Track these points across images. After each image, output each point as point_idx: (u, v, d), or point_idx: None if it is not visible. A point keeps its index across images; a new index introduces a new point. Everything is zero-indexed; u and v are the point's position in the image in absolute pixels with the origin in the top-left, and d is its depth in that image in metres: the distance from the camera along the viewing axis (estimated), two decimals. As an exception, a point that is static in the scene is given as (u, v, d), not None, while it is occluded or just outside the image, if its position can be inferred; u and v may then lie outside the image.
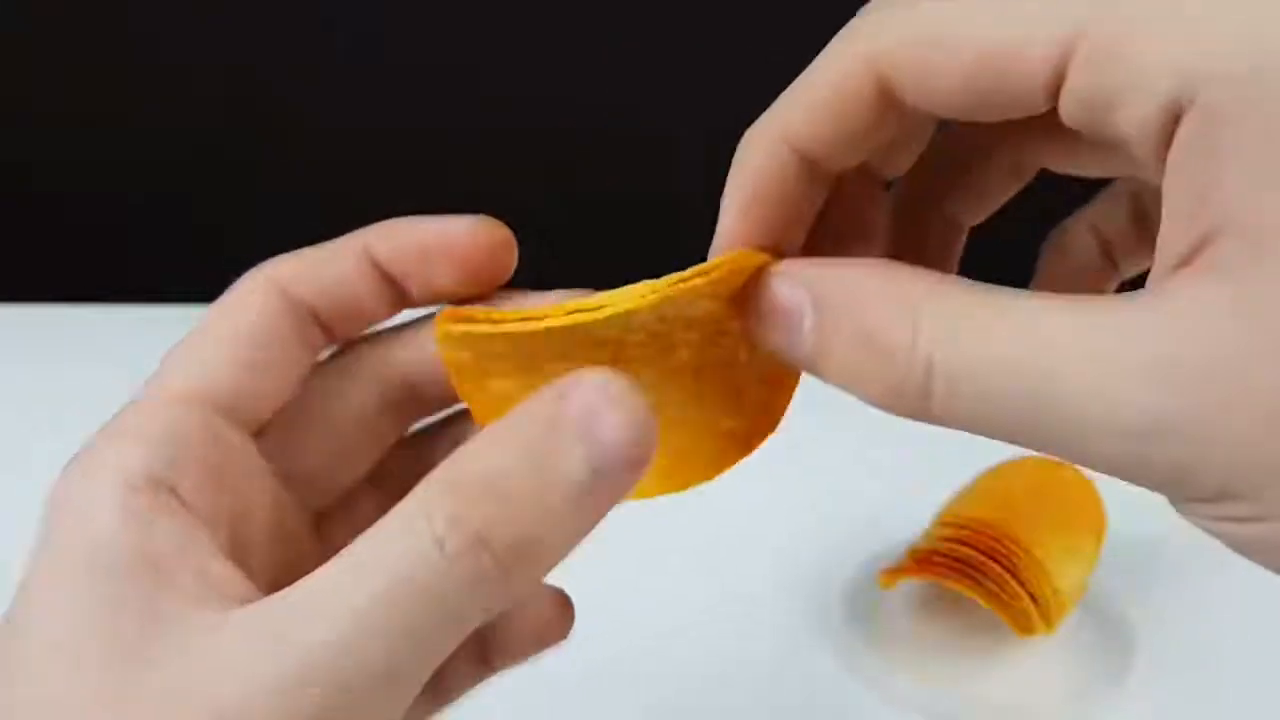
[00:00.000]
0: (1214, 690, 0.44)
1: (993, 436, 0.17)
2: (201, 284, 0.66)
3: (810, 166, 0.20)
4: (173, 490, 0.20)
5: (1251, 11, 0.15)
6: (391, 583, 0.18)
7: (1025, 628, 0.43)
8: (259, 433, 0.23)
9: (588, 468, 0.18)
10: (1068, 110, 0.17)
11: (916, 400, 0.18)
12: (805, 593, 0.49)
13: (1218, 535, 0.17)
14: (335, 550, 0.19)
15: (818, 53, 0.20)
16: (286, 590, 0.18)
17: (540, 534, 0.18)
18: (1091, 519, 0.47)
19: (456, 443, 0.19)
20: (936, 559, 0.44)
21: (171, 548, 0.19)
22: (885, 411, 0.18)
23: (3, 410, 0.60)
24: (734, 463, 0.23)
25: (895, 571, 0.45)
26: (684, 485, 0.23)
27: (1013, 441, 0.17)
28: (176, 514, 0.20)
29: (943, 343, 0.17)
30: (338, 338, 0.25)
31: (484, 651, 0.26)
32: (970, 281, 0.18)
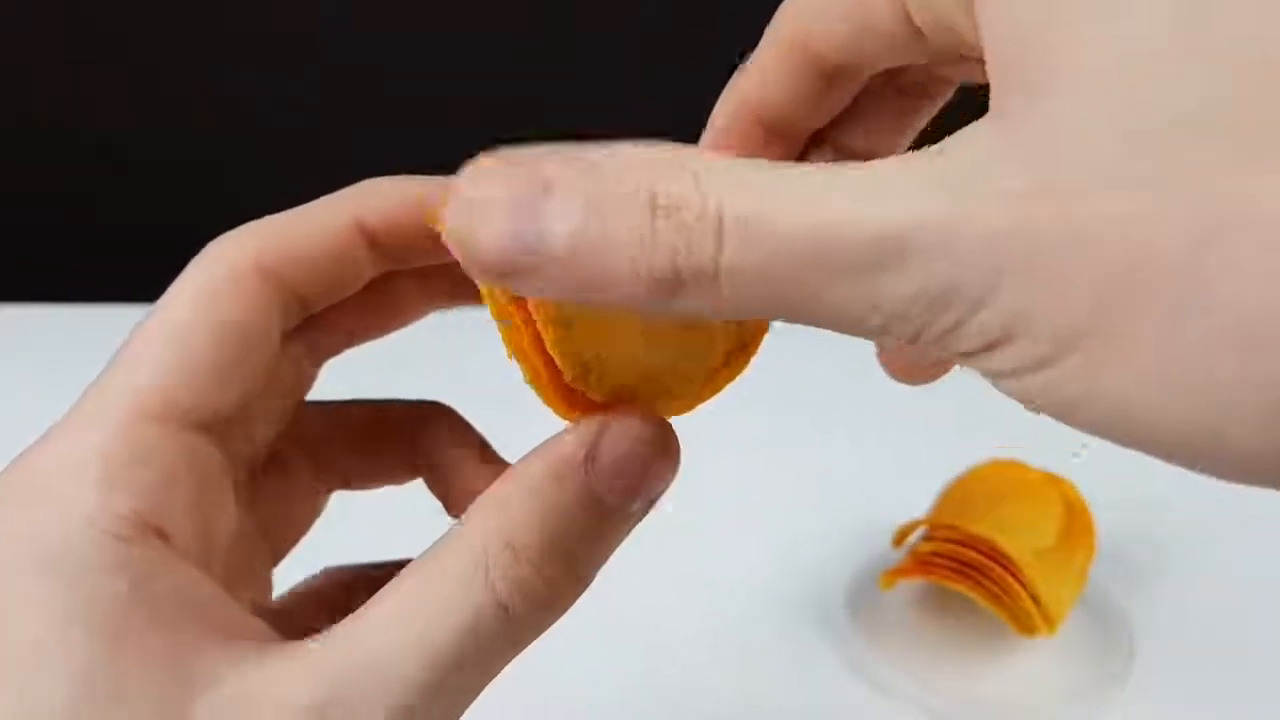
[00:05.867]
0: (1214, 690, 0.44)
1: (775, 304, 0.15)
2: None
3: (822, 73, 0.20)
4: (159, 531, 0.19)
5: None
6: (455, 651, 0.18)
7: (1026, 628, 0.43)
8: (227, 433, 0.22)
9: (641, 514, 0.19)
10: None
11: (704, 260, 0.15)
12: (806, 593, 0.49)
13: (1019, 400, 0.15)
14: (272, 519, 0.20)
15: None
16: (337, 638, 0.18)
17: (584, 583, 0.19)
18: (1076, 526, 0.47)
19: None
20: (937, 559, 0.44)
21: (175, 603, 0.18)
22: (661, 303, 0.15)
23: (3, 410, 0.60)
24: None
25: (896, 572, 0.45)
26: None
27: (792, 313, 0.15)
28: (169, 560, 0.18)
29: (733, 192, 0.15)
30: (315, 308, 0.23)
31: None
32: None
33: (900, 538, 0.47)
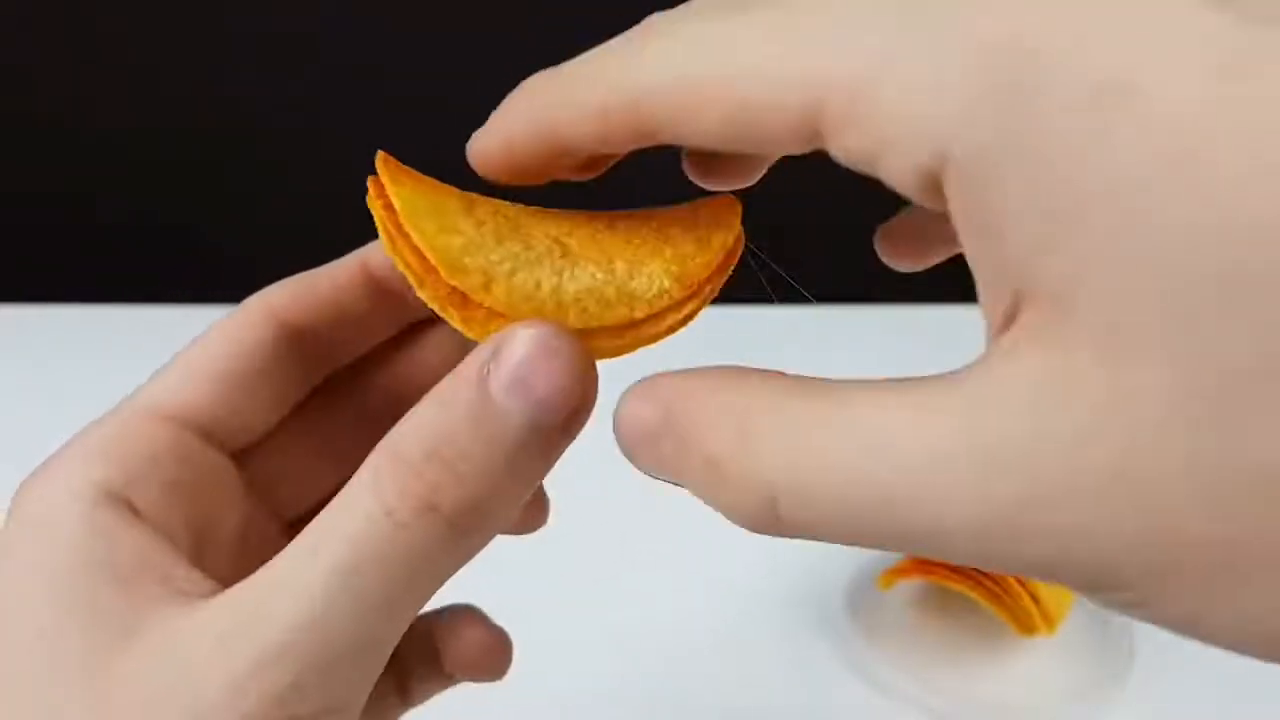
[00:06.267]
0: (1214, 690, 0.44)
1: (859, 545, 0.16)
2: (200, 284, 0.66)
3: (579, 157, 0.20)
4: (129, 504, 0.21)
5: (984, 77, 0.14)
6: (347, 556, 0.18)
7: (1026, 627, 0.43)
8: (247, 450, 0.24)
9: (528, 423, 0.18)
10: (836, 157, 0.16)
11: (771, 524, 0.16)
12: (806, 593, 0.49)
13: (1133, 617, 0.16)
14: None
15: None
16: (250, 577, 0.19)
17: (487, 494, 0.19)
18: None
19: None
20: (937, 559, 0.44)
21: (134, 558, 0.20)
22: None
23: (3, 410, 0.60)
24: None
25: (895, 572, 0.45)
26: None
27: (882, 548, 0.16)
28: (135, 526, 0.20)
29: (782, 467, 0.16)
30: (342, 358, 0.25)
31: (404, 682, 0.27)
32: (799, 380, 0.17)
33: (889, 579, 0.47)
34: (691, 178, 0.21)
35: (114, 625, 0.19)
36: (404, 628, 0.19)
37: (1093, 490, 0.14)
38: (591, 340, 0.20)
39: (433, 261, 0.19)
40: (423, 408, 0.19)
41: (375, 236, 0.20)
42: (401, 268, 0.20)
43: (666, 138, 0.18)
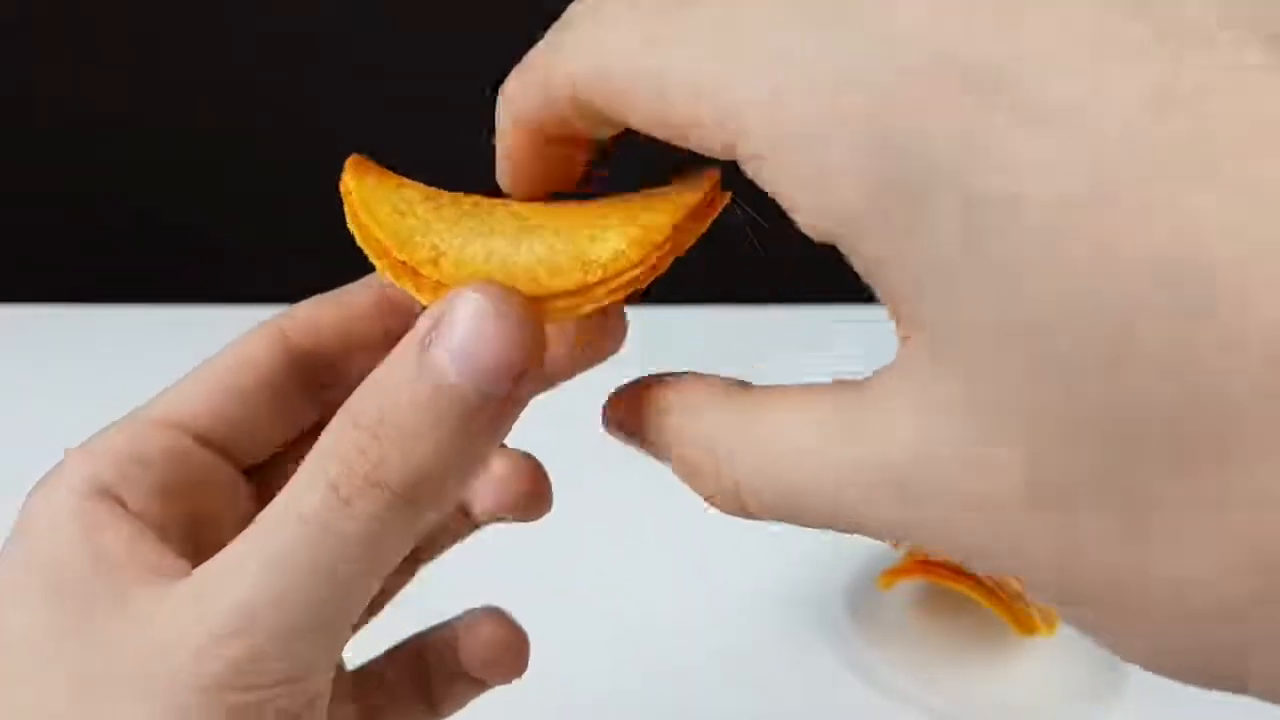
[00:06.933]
0: (1213, 691, 0.44)
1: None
2: (201, 284, 0.66)
3: (546, 140, 0.20)
4: (118, 499, 0.21)
5: (877, 173, 0.15)
6: (297, 531, 0.19)
7: (1026, 628, 0.43)
8: (261, 467, 0.24)
9: (471, 392, 0.18)
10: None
11: (744, 512, 0.18)
12: (806, 593, 0.49)
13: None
14: None
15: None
16: (217, 555, 0.20)
17: (434, 465, 0.19)
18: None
19: None
20: (936, 560, 0.44)
21: (119, 547, 0.21)
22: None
23: (3, 410, 0.60)
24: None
25: (896, 572, 0.45)
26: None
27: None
28: (123, 519, 0.21)
29: (737, 469, 0.18)
30: (356, 381, 0.25)
31: (429, 692, 0.27)
32: (749, 389, 0.19)
33: (890, 579, 0.46)
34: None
35: (98, 605, 0.20)
36: (364, 600, 0.20)
37: (957, 512, 0.15)
38: (545, 304, 0.20)
39: (382, 240, 0.20)
40: (370, 380, 0.19)
41: None
42: (362, 244, 0.21)
43: (614, 124, 0.18)
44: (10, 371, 0.63)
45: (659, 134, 0.18)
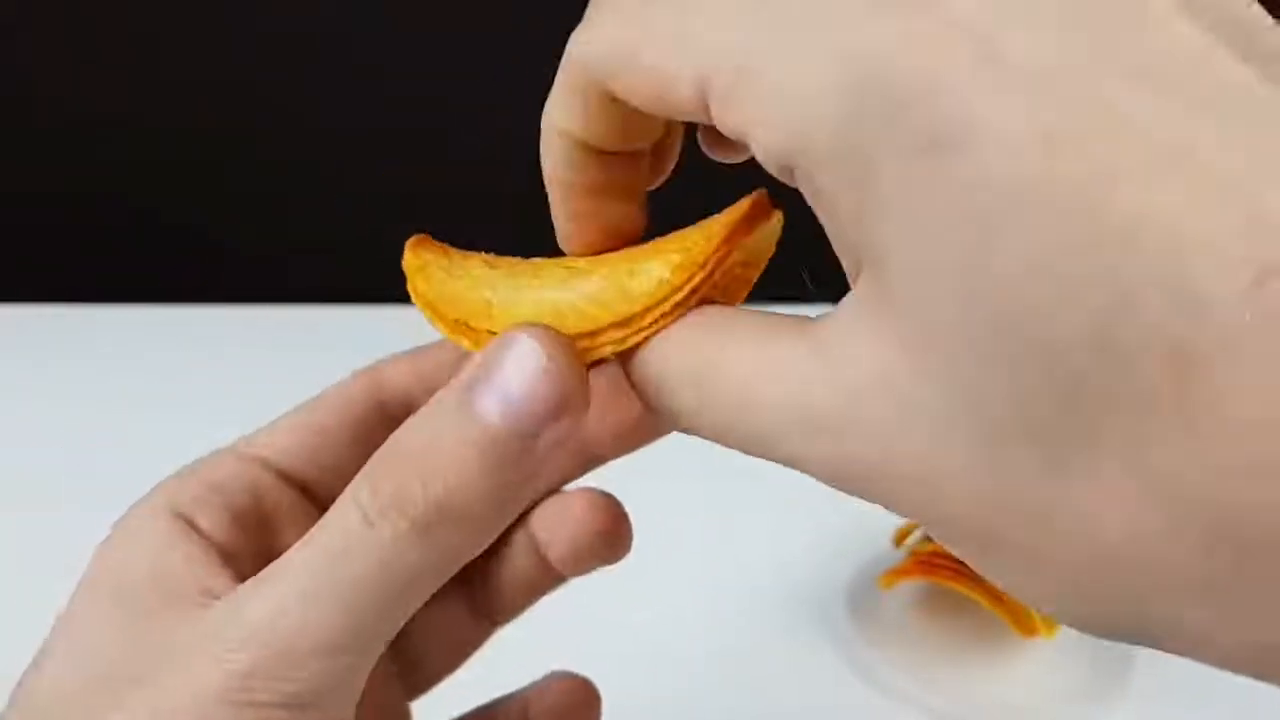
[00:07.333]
0: (1214, 692, 0.44)
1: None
2: (201, 284, 0.66)
3: (597, 153, 0.20)
4: (190, 521, 0.23)
5: (829, 74, 0.15)
6: (327, 555, 0.19)
7: (1026, 628, 0.43)
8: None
9: (503, 426, 0.19)
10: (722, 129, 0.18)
11: (681, 429, 0.19)
12: (806, 593, 0.49)
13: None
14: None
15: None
16: (253, 577, 0.20)
17: (456, 496, 0.19)
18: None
19: None
20: (937, 559, 0.44)
21: (178, 564, 0.22)
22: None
23: (3, 410, 0.60)
24: None
25: (896, 572, 0.45)
26: None
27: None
28: (190, 540, 0.22)
29: (696, 409, 0.19)
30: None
31: None
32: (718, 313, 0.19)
33: (900, 538, 0.47)
34: (703, 150, 0.22)
35: (144, 612, 0.21)
36: (380, 631, 0.20)
37: (892, 449, 0.16)
38: (596, 339, 0.20)
39: (436, 303, 0.21)
40: (417, 413, 0.20)
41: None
42: (422, 310, 0.22)
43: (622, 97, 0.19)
44: (10, 371, 0.63)
45: (655, 108, 0.18)
